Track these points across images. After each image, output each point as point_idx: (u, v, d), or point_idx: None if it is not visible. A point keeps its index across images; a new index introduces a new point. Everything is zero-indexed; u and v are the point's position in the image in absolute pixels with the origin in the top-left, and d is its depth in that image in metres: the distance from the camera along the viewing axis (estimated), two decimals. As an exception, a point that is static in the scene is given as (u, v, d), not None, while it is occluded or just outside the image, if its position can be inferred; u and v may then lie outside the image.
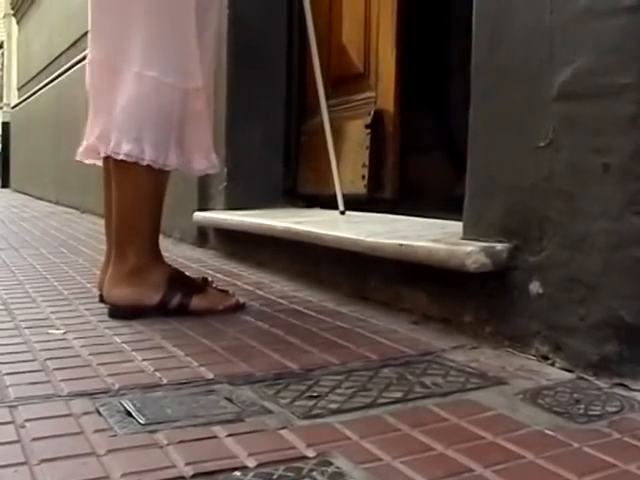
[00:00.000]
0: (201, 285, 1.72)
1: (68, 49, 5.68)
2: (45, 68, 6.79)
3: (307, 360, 1.29)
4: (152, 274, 1.64)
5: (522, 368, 1.23)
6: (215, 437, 0.95)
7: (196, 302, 1.65)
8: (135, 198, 1.63)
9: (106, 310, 1.66)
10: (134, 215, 1.64)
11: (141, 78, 1.57)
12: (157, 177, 1.63)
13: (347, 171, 2.43)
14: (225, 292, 1.77)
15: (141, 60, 1.58)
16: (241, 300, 1.74)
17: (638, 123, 1.11)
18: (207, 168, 1.73)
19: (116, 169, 1.62)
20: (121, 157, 1.56)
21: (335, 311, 1.68)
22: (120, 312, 1.62)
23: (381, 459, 0.88)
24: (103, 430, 0.97)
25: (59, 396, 1.11)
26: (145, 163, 1.57)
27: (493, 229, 1.37)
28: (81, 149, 1.79)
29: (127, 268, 1.62)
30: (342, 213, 2.24)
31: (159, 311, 1.62)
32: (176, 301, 1.64)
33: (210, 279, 1.81)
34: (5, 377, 1.19)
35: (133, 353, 1.34)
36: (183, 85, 1.60)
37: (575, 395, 1.09)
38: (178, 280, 1.67)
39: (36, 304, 1.78)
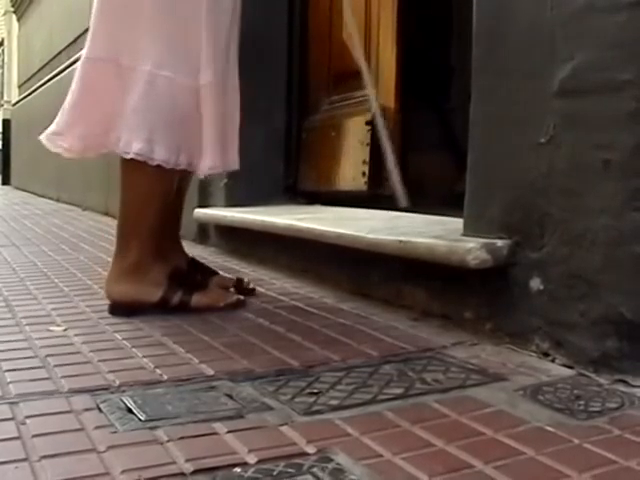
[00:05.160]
0: (202, 282, 1.73)
1: (69, 46, 5.68)
2: (46, 65, 6.79)
3: (308, 357, 1.29)
4: (152, 271, 1.64)
5: (522, 364, 1.23)
6: (215, 433, 0.95)
7: (197, 299, 1.66)
8: (142, 196, 1.63)
9: (106, 306, 1.66)
10: (139, 212, 1.64)
11: (154, 78, 1.57)
12: (166, 176, 1.62)
13: (348, 168, 2.43)
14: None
15: (154, 59, 1.57)
16: (242, 297, 1.74)
17: (639, 119, 1.10)
18: (211, 168, 1.69)
19: (124, 167, 1.62)
20: (131, 156, 1.56)
21: (336, 308, 1.68)
22: (120, 309, 1.62)
23: (381, 455, 0.88)
24: (104, 427, 0.97)
25: (60, 393, 1.11)
26: (155, 163, 1.56)
27: (494, 225, 1.37)
28: (51, 133, 1.70)
29: (128, 264, 1.63)
30: (404, 209, 2.11)
31: (160, 308, 1.62)
32: (177, 299, 1.64)
33: (246, 279, 1.85)
34: (6, 374, 1.19)
35: (134, 350, 1.34)
36: (195, 84, 1.59)
37: (575, 391, 1.09)
38: (179, 277, 1.67)
39: (37, 301, 1.78)
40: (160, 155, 1.56)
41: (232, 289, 1.82)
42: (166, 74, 1.57)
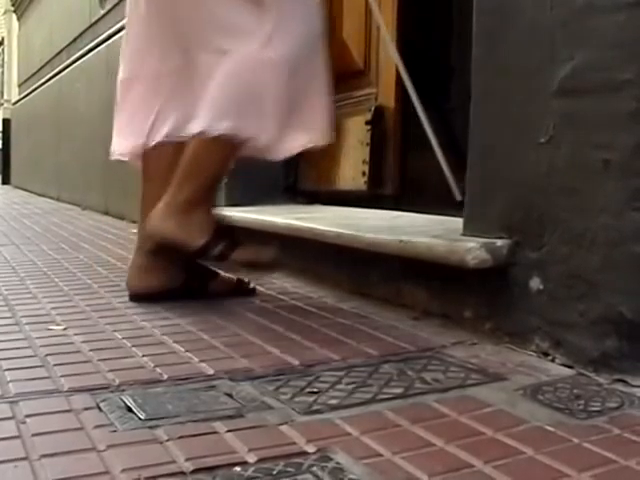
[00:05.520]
0: (243, 240, 1.75)
1: (69, 45, 5.68)
2: (46, 64, 6.79)
3: (307, 356, 1.29)
4: (201, 214, 1.65)
5: (522, 364, 1.23)
6: (215, 433, 0.95)
7: (237, 254, 1.66)
8: (212, 159, 1.65)
9: (107, 305, 1.66)
10: (207, 165, 1.65)
11: (236, 57, 1.59)
12: (238, 148, 1.66)
13: (347, 168, 2.43)
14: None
15: (229, 42, 1.60)
16: (275, 255, 1.75)
17: (638, 119, 1.10)
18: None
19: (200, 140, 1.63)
20: (217, 133, 1.58)
21: (336, 307, 1.68)
22: (164, 248, 1.66)
23: (381, 454, 0.88)
24: (103, 426, 0.97)
25: (60, 392, 1.11)
26: (239, 137, 1.59)
27: (493, 225, 1.37)
28: (122, 148, 1.80)
29: (178, 201, 1.64)
30: (459, 203, 2.07)
31: (200, 257, 1.65)
32: (218, 250, 1.64)
33: (246, 279, 1.86)
34: (6, 373, 1.19)
35: (134, 349, 1.34)
36: (264, 57, 1.60)
37: (575, 391, 1.09)
38: (225, 231, 1.69)
39: (37, 300, 1.78)
40: (244, 130, 1.59)
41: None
42: (249, 50, 1.59)
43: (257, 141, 1.62)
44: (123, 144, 1.80)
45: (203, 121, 1.59)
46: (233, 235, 1.73)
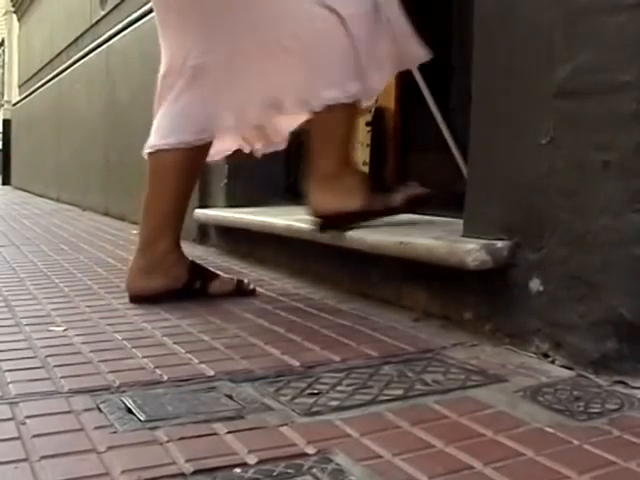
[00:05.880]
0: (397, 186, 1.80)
1: (69, 46, 5.68)
2: (46, 65, 6.79)
3: (308, 357, 1.29)
4: (350, 178, 1.69)
5: (522, 365, 1.23)
6: (215, 434, 0.95)
7: (401, 198, 1.73)
8: (342, 126, 1.68)
9: (107, 307, 1.66)
10: (339, 136, 1.69)
11: (319, 19, 1.60)
12: (360, 106, 1.70)
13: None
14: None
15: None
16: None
17: (639, 120, 1.10)
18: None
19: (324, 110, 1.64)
20: (328, 103, 1.60)
21: (336, 308, 1.68)
22: (329, 221, 1.72)
23: (381, 456, 0.88)
24: (103, 427, 0.97)
25: (60, 393, 1.11)
26: (350, 100, 1.63)
27: (494, 226, 1.37)
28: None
29: (325, 172, 1.68)
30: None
31: (368, 215, 1.71)
32: (379, 204, 1.71)
33: (246, 280, 1.87)
34: (6, 374, 1.19)
35: (134, 350, 1.34)
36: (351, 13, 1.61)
37: (575, 393, 1.09)
38: (382, 183, 1.76)
39: (37, 301, 1.78)
40: (352, 92, 1.62)
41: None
42: (332, 16, 1.60)
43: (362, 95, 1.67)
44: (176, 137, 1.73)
45: (332, 91, 1.61)
46: (388, 184, 1.77)
